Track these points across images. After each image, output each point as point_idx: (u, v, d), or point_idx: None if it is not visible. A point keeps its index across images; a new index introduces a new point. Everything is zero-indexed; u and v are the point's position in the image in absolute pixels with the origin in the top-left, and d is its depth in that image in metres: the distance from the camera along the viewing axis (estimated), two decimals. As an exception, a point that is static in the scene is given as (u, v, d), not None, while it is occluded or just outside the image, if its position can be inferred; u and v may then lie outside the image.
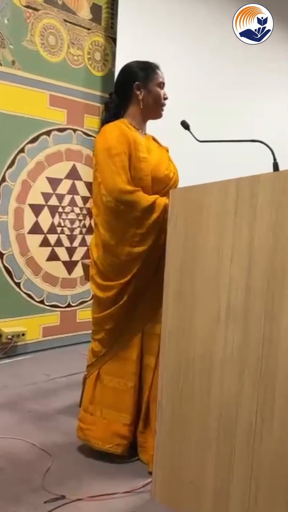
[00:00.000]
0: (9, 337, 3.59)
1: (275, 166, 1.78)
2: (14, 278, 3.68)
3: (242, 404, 1.66)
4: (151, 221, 2.03)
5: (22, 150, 3.64)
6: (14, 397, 2.90)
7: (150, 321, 2.15)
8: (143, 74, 2.25)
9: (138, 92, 2.24)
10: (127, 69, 2.30)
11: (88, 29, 4.02)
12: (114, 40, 4.12)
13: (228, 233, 1.69)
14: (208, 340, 1.75)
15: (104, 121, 2.28)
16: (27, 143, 3.65)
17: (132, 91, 2.24)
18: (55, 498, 1.90)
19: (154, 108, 2.28)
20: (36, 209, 3.79)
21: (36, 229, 3.80)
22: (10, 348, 3.62)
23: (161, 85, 2.29)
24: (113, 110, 2.28)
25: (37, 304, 3.85)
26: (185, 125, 2.14)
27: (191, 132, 2.08)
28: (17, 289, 3.70)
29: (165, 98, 2.30)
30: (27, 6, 3.59)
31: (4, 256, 3.61)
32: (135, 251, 2.05)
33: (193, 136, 2.05)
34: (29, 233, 3.75)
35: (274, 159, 1.79)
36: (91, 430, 2.20)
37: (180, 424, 1.85)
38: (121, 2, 3.94)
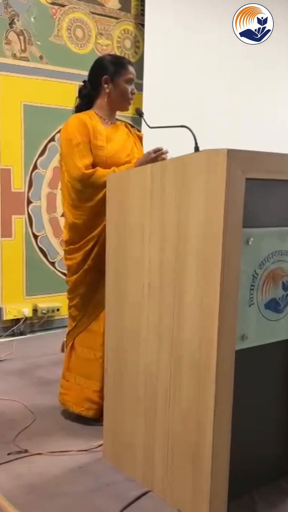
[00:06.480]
0: (44, 311, 3.91)
1: (196, 150, 1.85)
2: (49, 258, 3.99)
3: (160, 370, 1.81)
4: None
5: (52, 139, 3.91)
6: (28, 365, 3.21)
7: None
8: (113, 68, 2.35)
9: (105, 86, 2.36)
10: (99, 61, 2.43)
11: (117, 18, 4.17)
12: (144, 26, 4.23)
13: (146, 216, 1.81)
14: (136, 314, 1.90)
15: (77, 108, 2.45)
16: (57, 132, 3.90)
17: (101, 84, 2.38)
18: (18, 451, 2.16)
19: (120, 102, 2.39)
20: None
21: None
22: (46, 322, 3.95)
23: (130, 81, 2.37)
24: (86, 98, 2.44)
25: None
26: (139, 112, 2.25)
27: (144, 119, 2.19)
28: (52, 268, 4.01)
29: (133, 93, 2.38)
30: (53, 3, 3.82)
31: (38, 238, 3.93)
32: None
33: (146, 123, 2.17)
34: (62, 216, 4.01)
35: (196, 143, 1.86)
36: (67, 394, 2.44)
37: (119, 391, 2.02)
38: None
